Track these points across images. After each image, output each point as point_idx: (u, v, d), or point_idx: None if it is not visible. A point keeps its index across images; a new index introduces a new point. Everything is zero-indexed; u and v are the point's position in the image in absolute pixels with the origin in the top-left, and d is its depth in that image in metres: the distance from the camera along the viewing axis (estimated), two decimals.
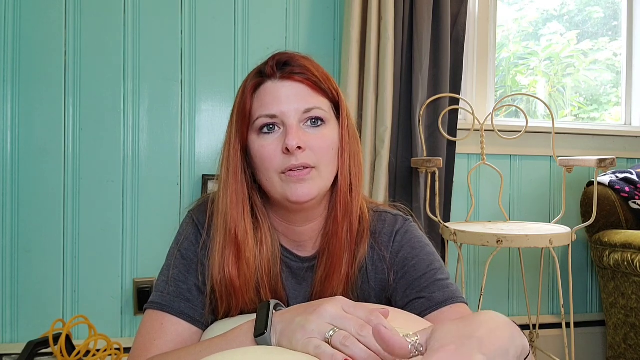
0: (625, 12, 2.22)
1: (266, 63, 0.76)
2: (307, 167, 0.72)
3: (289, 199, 0.73)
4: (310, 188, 0.73)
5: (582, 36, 2.29)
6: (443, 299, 0.75)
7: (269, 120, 0.73)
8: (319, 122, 0.74)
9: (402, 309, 0.76)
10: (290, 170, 0.72)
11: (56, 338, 1.42)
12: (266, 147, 0.73)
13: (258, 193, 0.79)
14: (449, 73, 1.78)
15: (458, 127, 1.84)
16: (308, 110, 0.73)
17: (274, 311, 0.61)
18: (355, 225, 0.79)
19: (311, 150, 0.73)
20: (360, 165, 0.81)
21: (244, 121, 0.76)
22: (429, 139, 1.78)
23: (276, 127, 0.73)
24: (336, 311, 0.54)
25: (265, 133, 0.74)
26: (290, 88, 0.73)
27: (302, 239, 0.82)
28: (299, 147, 0.71)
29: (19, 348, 1.51)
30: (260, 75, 0.76)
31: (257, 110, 0.74)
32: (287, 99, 0.73)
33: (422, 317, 0.73)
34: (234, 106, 0.78)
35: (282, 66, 0.75)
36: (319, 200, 0.77)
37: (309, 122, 0.74)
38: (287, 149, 0.71)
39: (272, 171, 0.73)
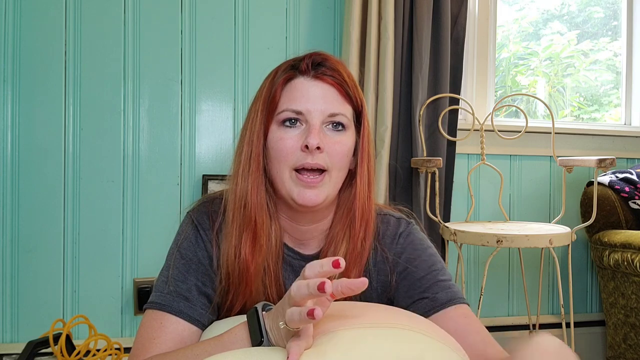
0: (625, 12, 2.22)
1: (302, 59, 0.77)
2: (320, 170, 0.73)
3: (295, 201, 0.74)
4: (319, 194, 0.73)
5: (582, 36, 2.29)
6: (446, 300, 0.75)
7: (293, 116, 0.74)
8: (340, 128, 0.76)
9: (405, 309, 0.76)
10: (303, 168, 0.73)
11: (56, 338, 1.42)
12: (285, 140, 0.74)
13: (270, 185, 0.80)
14: (449, 73, 1.78)
15: (458, 127, 1.84)
16: (333, 115, 0.75)
17: (264, 312, 0.63)
18: (370, 234, 0.80)
19: (328, 154, 0.74)
20: (374, 175, 0.82)
21: (271, 111, 0.76)
22: (429, 139, 1.78)
23: (299, 123, 0.74)
24: (296, 285, 0.55)
25: (287, 126, 0.75)
26: (320, 88, 0.75)
27: (305, 238, 0.82)
28: (318, 148, 0.72)
29: (19, 348, 1.51)
30: (293, 69, 0.77)
31: (284, 102, 0.75)
32: (315, 98, 0.74)
33: (426, 317, 0.73)
34: (258, 94, 0.79)
35: (316, 65, 0.76)
36: (326, 205, 0.77)
37: (330, 126, 0.75)
38: (307, 147, 0.71)
39: (285, 165, 0.74)
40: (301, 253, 0.83)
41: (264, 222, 0.76)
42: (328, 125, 0.75)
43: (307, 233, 0.82)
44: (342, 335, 0.58)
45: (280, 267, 0.80)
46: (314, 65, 0.76)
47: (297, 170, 0.73)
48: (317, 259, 0.81)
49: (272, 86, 0.77)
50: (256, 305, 0.64)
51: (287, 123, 0.74)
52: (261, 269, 0.77)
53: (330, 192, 0.75)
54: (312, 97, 0.74)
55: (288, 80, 0.76)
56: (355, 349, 0.55)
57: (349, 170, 0.80)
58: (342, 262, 0.53)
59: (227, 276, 0.76)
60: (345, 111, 0.76)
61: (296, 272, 0.82)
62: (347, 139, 0.77)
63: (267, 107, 0.76)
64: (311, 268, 0.55)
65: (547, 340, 0.50)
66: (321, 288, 0.51)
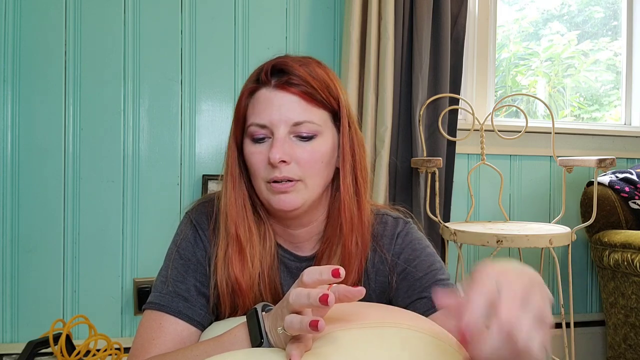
0: (625, 12, 2.22)
1: (262, 68, 0.75)
2: (291, 180, 0.72)
3: (273, 207, 0.74)
4: (294, 199, 0.73)
5: (583, 36, 2.29)
6: None
7: (258, 130, 0.73)
8: (309, 136, 0.73)
9: (404, 309, 0.76)
10: (275, 182, 0.72)
11: (56, 338, 1.42)
12: (255, 155, 0.74)
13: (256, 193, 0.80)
14: (449, 73, 1.78)
15: (458, 127, 1.84)
16: (298, 124, 0.72)
17: (264, 313, 0.63)
18: (367, 236, 0.79)
19: (297, 163, 0.72)
20: (366, 173, 0.80)
21: (237, 124, 0.76)
22: (429, 139, 1.78)
23: (266, 137, 0.73)
24: (295, 293, 0.55)
25: (256, 140, 0.74)
26: (282, 98, 0.72)
27: (298, 241, 0.82)
28: (283, 161, 0.71)
29: (19, 348, 1.51)
30: (257, 81, 0.75)
31: (249, 116, 0.74)
32: (278, 109, 0.72)
33: (426, 317, 0.73)
34: (235, 107, 0.79)
35: (277, 73, 0.73)
36: (305, 209, 0.76)
37: (297, 135, 0.73)
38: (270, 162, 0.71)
39: (259, 178, 0.74)
40: (297, 255, 0.82)
41: (252, 232, 0.76)
42: (295, 134, 0.73)
43: (299, 237, 0.81)
44: (343, 336, 0.58)
45: (275, 272, 0.80)
46: (274, 73, 0.73)
47: (269, 182, 0.73)
48: (313, 261, 0.81)
49: (239, 100, 0.76)
50: (256, 306, 0.64)
51: (255, 137, 0.73)
52: (255, 281, 0.76)
53: (308, 197, 0.74)
54: (275, 108, 0.71)
55: (252, 92, 0.75)
56: (356, 350, 0.55)
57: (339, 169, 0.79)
58: (342, 272, 0.53)
59: (216, 287, 0.76)
60: (312, 117, 0.73)
61: (293, 274, 0.82)
62: (320, 145, 0.74)
63: (236, 122, 0.76)
64: (309, 275, 0.54)
65: (503, 263, 0.47)
66: (323, 300, 0.50)
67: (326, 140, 0.75)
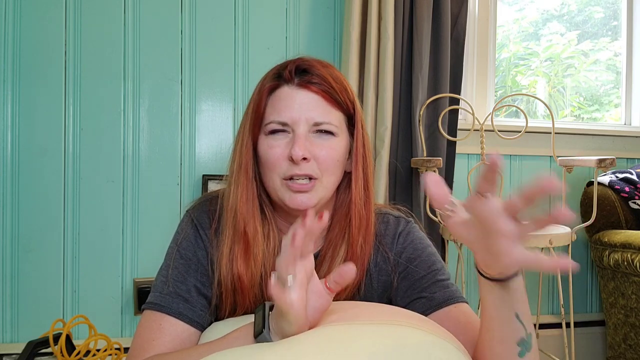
0: (625, 12, 2.22)
1: (285, 66, 0.76)
2: (310, 178, 0.73)
3: (288, 206, 0.74)
4: (310, 198, 0.73)
5: (583, 36, 2.29)
6: (444, 299, 0.75)
7: (279, 127, 0.74)
8: (327, 136, 0.75)
9: (403, 308, 0.76)
10: (292, 178, 0.73)
11: (56, 338, 1.42)
12: (273, 149, 0.74)
13: (264, 191, 0.80)
14: (449, 73, 1.78)
15: (458, 127, 1.84)
16: (318, 124, 0.74)
17: (270, 311, 0.63)
18: (371, 238, 0.80)
19: (316, 161, 0.73)
20: (372, 177, 0.81)
21: (256, 121, 0.76)
22: (429, 139, 1.78)
23: (285, 133, 0.74)
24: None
25: (274, 136, 0.75)
26: (304, 97, 0.74)
27: None
28: (304, 158, 0.72)
29: (19, 348, 1.51)
30: (278, 79, 0.76)
31: (270, 114, 0.75)
32: (299, 107, 0.73)
33: (425, 316, 0.73)
34: (249, 103, 0.79)
35: (300, 73, 0.75)
36: (319, 208, 0.77)
37: (317, 133, 0.75)
38: (292, 158, 0.71)
39: (275, 174, 0.74)
40: None
41: (257, 230, 0.76)
42: (314, 132, 0.74)
43: None
44: (344, 330, 0.59)
45: None
46: (297, 72, 0.75)
47: (286, 178, 0.74)
48: (316, 260, 0.81)
49: (259, 96, 0.77)
50: (265, 302, 0.65)
51: (275, 133, 0.74)
52: (256, 280, 0.76)
53: (322, 196, 0.75)
54: (297, 105, 0.73)
55: (273, 89, 0.76)
56: (356, 343, 0.55)
57: (347, 172, 0.80)
58: (326, 217, 0.56)
59: (219, 284, 0.76)
60: (332, 119, 0.75)
61: None
62: (337, 144, 0.76)
63: (254, 118, 0.76)
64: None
65: None
66: (293, 238, 0.55)
67: (342, 141, 0.77)
